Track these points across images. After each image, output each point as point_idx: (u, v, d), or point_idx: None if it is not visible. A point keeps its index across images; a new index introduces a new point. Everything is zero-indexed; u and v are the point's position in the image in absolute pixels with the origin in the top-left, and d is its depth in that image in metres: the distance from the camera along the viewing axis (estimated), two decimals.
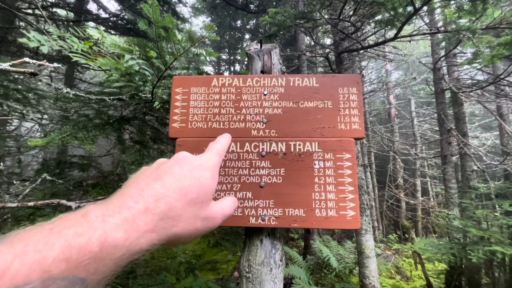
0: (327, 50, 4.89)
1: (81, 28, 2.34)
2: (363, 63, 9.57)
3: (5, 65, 0.96)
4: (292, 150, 1.35)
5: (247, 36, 12.18)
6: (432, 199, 9.59)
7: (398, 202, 8.99)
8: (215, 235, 4.47)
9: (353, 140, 1.35)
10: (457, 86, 4.29)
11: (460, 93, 4.12)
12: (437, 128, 7.37)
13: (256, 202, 1.29)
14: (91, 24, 6.82)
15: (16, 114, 2.85)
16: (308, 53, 5.07)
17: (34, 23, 4.58)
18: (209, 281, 2.76)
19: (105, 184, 1.95)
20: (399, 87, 10.31)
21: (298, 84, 1.44)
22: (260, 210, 1.28)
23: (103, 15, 6.84)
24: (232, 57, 11.58)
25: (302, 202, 1.28)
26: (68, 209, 1.49)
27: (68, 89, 2.35)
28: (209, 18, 10.76)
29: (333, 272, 4.74)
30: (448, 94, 5.28)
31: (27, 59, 0.98)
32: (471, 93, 4.22)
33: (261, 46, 1.67)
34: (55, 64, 1.13)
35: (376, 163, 9.93)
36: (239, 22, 11.37)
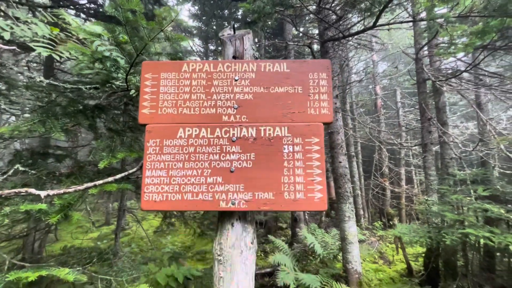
0: (315, 40, 4.87)
1: (53, 14, 2.26)
2: (350, 54, 9.62)
3: None
4: (262, 135, 1.36)
5: (236, 25, 11.96)
6: (416, 187, 9.90)
7: (384, 191, 9.25)
8: (200, 226, 4.50)
9: (322, 125, 1.37)
10: (436, 75, 4.39)
11: (437, 82, 4.22)
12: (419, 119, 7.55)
13: (227, 186, 1.31)
14: (71, 12, 6.53)
15: None
16: (291, 42, 5.04)
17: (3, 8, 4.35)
18: (192, 268, 2.79)
19: (80, 174, 1.92)
20: (385, 78, 10.45)
21: (269, 69, 1.45)
22: (230, 194, 1.30)
23: (82, 1, 6.55)
24: (219, 47, 11.40)
25: (271, 186, 1.30)
26: (37, 198, 1.47)
27: (42, 78, 2.27)
28: (196, 7, 10.49)
29: (318, 259, 4.88)
30: (429, 84, 5.40)
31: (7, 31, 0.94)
32: (450, 83, 4.33)
33: (234, 32, 1.65)
34: (10, 47, 1.09)
35: (362, 153, 10.13)
36: (226, 11, 11.15)
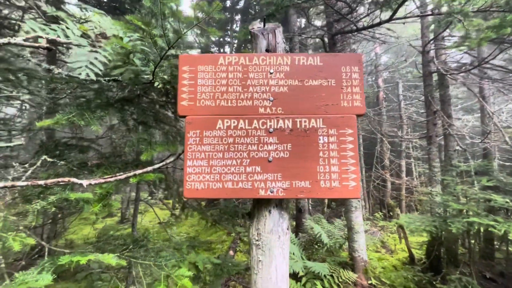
0: (319, 32, 4.88)
1: (60, 8, 2.26)
2: (353, 46, 9.60)
3: (19, 40, 0.96)
4: (298, 126, 1.42)
5: (237, 17, 11.83)
6: (415, 179, 10.09)
7: (384, 182, 9.41)
8: (212, 215, 4.59)
9: (355, 117, 1.43)
10: (445, 68, 4.45)
11: (448, 75, 4.29)
12: (423, 111, 7.64)
13: (265, 175, 1.38)
14: (73, 1, 6.42)
15: (6, 96, 2.75)
16: (302, 35, 5.04)
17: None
18: (210, 256, 2.89)
19: (109, 164, 1.97)
20: (387, 71, 10.48)
21: (303, 63, 1.49)
22: (268, 183, 1.37)
23: None
24: (221, 39, 11.29)
25: (308, 175, 1.37)
26: (80, 186, 1.52)
27: (60, 70, 2.29)
28: None
29: (325, 248, 5.02)
30: (435, 77, 5.46)
31: (41, 34, 0.97)
32: (458, 76, 4.40)
33: (264, 25, 1.68)
34: (68, 40, 1.12)
35: (364, 145, 10.25)
36: (228, 2, 11.00)
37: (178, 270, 1.46)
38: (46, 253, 1.67)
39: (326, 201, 9.25)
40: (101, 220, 9.00)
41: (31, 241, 1.38)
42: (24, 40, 0.96)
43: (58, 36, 1.14)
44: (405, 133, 9.57)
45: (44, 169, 2.07)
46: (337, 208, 9.25)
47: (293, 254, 4.60)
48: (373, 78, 11.39)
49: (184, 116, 1.45)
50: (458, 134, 4.69)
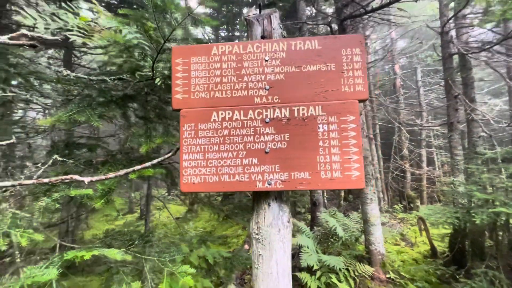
0: (329, 19, 4.68)
1: (74, 4, 2.28)
2: (367, 32, 9.19)
3: (4, 38, 0.96)
4: (295, 115, 1.35)
5: (245, 10, 11.67)
6: (438, 169, 9.61)
7: (403, 173, 9.04)
8: (223, 210, 4.61)
9: (357, 102, 1.34)
10: (466, 48, 4.12)
11: (469, 55, 3.96)
12: (444, 97, 7.20)
13: (262, 167, 1.33)
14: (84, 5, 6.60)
15: (21, 99, 2.87)
16: (309, 22, 4.85)
17: (24, 6, 4.46)
18: (220, 250, 2.91)
19: (114, 162, 2.00)
20: (404, 56, 9.95)
21: (300, 47, 1.41)
22: (266, 175, 1.32)
23: None
24: (230, 33, 11.22)
25: (307, 165, 1.30)
26: (81, 183, 1.55)
27: (68, 71, 2.34)
28: None
29: (340, 241, 4.91)
30: (456, 59, 5.10)
31: (24, 31, 0.97)
32: (480, 56, 4.05)
33: (260, 11, 1.61)
34: (53, 37, 1.11)
35: (381, 135, 9.87)
36: None
37: (181, 267, 1.46)
38: (57, 249, 1.73)
39: (342, 194, 9.05)
40: (121, 217, 9.38)
41: (39, 237, 1.41)
42: (9, 39, 0.95)
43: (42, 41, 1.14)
44: (425, 121, 9.09)
45: (55, 167, 2.13)
46: (355, 201, 9.02)
47: (307, 247, 4.53)
48: (389, 66, 10.89)
49: (179, 110, 1.42)
50: (482, 120, 4.36)
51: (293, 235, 5.62)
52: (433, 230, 6.40)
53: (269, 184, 1.31)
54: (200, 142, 1.36)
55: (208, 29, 12.43)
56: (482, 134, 4.63)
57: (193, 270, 1.44)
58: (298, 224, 5.28)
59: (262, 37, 1.51)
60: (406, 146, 8.71)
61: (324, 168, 1.29)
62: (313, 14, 8.55)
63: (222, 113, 1.38)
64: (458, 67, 4.95)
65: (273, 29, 1.52)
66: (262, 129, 1.35)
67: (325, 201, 7.74)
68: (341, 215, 6.16)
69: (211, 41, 12.27)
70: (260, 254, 1.35)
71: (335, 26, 4.28)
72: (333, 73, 1.37)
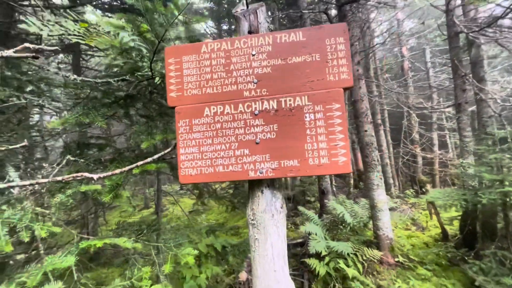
0: (326, 6, 4.61)
1: (76, 13, 2.40)
2: (372, 15, 8.92)
3: (9, 52, 1.07)
4: (283, 106, 1.41)
5: (248, 0, 11.53)
6: (451, 151, 9.38)
7: (414, 158, 8.89)
8: (233, 202, 4.76)
9: (342, 90, 1.39)
10: (469, 26, 3.96)
11: (470, 34, 3.82)
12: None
13: (254, 157, 1.41)
14: (88, 8, 6.77)
15: (34, 105, 3.06)
16: (306, 10, 4.79)
17: (31, 14, 4.64)
18: (228, 239, 3.05)
19: (121, 159, 2.14)
20: (412, 37, 9.62)
21: (285, 40, 1.46)
22: (257, 164, 1.40)
23: None
24: (233, 27, 11.16)
25: (296, 154, 1.37)
26: (91, 180, 1.68)
27: (75, 76, 2.47)
28: None
29: (348, 227, 4.97)
30: (464, 38, 4.91)
31: (27, 44, 1.07)
32: (487, 33, 3.89)
33: (247, 6, 1.66)
34: (52, 48, 1.22)
35: (390, 120, 9.69)
36: None
37: (184, 249, 1.58)
38: (75, 240, 1.89)
39: (352, 181, 9.03)
40: (137, 212, 9.77)
41: (57, 229, 1.56)
42: (14, 52, 1.06)
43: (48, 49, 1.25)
44: (436, 103, 8.84)
45: (68, 167, 2.30)
46: (365, 188, 8.99)
47: (316, 234, 4.62)
48: (397, 49, 10.56)
49: (174, 107, 1.51)
50: (492, 99, 4.23)
51: (302, 223, 5.71)
52: (445, 214, 6.33)
53: (260, 173, 1.39)
54: (195, 137, 1.45)
55: (211, 23, 12.41)
56: (492, 114, 4.50)
57: (195, 252, 1.56)
58: (307, 212, 5.37)
59: (249, 32, 1.57)
60: (416, 130, 8.54)
61: (312, 155, 1.36)
62: (316, 0, 8.38)
63: (214, 108, 1.46)
64: (465, 46, 4.79)
65: (260, 23, 1.57)
66: (252, 121, 1.43)
67: (334, 189, 7.77)
68: (350, 202, 6.19)
69: (215, 34, 12.27)
70: (256, 238, 1.45)
71: (335, 12, 4.21)
72: (318, 63, 1.42)
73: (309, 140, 1.37)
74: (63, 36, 1.91)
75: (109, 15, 6.59)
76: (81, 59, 7.36)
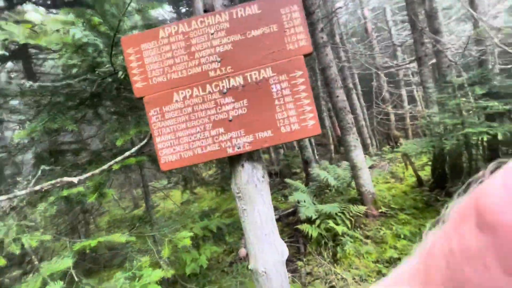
0: None
1: (15, 13, 2.23)
2: None
3: None
4: (249, 80, 1.46)
5: None
6: (419, 104, 9.93)
7: (387, 116, 9.35)
8: (221, 185, 4.85)
9: (302, 57, 1.45)
10: None
11: None
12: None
13: (229, 134, 1.46)
14: (29, 7, 6.16)
15: None
16: None
17: None
18: (221, 220, 3.16)
19: (99, 160, 2.11)
20: None
21: (241, 14, 1.47)
22: (234, 140, 1.46)
23: None
24: (191, 8, 10.64)
25: (268, 125, 1.44)
26: (71, 184, 1.67)
27: (31, 82, 2.33)
28: None
29: (333, 190, 5.28)
30: None
31: None
32: None
33: None
34: None
35: (361, 83, 9.99)
36: None
37: (180, 233, 1.66)
38: (68, 245, 1.90)
39: (332, 147, 9.40)
40: (128, 213, 9.67)
41: (48, 237, 1.56)
42: None
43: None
44: (401, 60, 9.18)
45: (45, 177, 2.23)
46: (344, 151, 9.41)
47: (304, 201, 4.88)
48: (359, 10, 10.63)
49: (142, 98, 1.51)
50: (447, 49, 4.48)
51: (291, 194, 5.99)
52: (418, 162, 6.85)
53: (238, 148, 1.46)
54: (169, 124, 1.47)
55: (169, 7, 11.74)
56: (450, 63, 4.79)
57: (191, 233, 1.64)
58: (293, 183, 5.61)
59: (205, 11, 1.56)
60: (386, 89, 8.90)
61: (283, 124, 1.43)
62: None
63: (182, 93, 1.47)
64: (421, 0, 4.94)
65: (214, 1, 1.56)
66: (222, 100, 1.46)
67: (317, 157, 8.07)
68: (333, 167, 6.51)
69: (174, 19, 11.65)
70: (244, 209, 1.55)
71: None
72: (276, 33, 1.45)
73: (279, 109, 1.44)
74: (6, 41, 1.79)
75: (54, 11, 6.05)
76: (33, 64, 6.80)
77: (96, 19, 1.71)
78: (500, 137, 4.21)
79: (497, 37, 3.95)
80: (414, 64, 8.87)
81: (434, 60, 6.36)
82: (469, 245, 0.21)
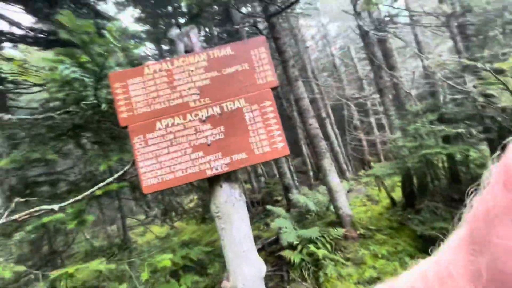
0: (253, 20, 5.11)
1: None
2: (301, 21, 9.91)
3: None
4: (225, 109, 1.66)
5: (182, 21, 11.75)
6: (387, 130, 10.73)
7: (360, 142, 9.96)
8: (203, 216, 4.81)
9: (270, 90, 1.69)
10: (377, 25, 4.83)
11: (372, 32, 4.68)
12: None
13: (208, 157, 1.62)
14: (8, 44, 6.24)
15: None
16: (238, 26, 5.26)
17: None
18: (201, 248, 3.13)
19: (77, 189, 2.13)
20: (338, 38, 10.91)
21: (217, 55, 1.72)
22: (212, 163, 1.61)
23: (19, 32, 6.24)
24: (172, 47, 11.22)
25: (243, 148, 1.62)
26: (52, 211, 1.69)
27: (9, 115, 2.39)
28: (138, 10, 10.17)
29: (313, 214, 5.40)
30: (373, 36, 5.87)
31: None
32: (388, 30, 4.81)
33: (180, 29, 1.89)
34: None
35: (334, 113, 10.72)
36: (170, 7, 10.88)
37: (159, 257, 1.69)
38: (41, 278, 1.84)
39: (311, 174, 9.69)
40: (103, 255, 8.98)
41: (22, 268, 1.55)
42: None
43: None
44: (368, 91, 10.11)
45: (20, 208, 2.19)
46: (321, 175, 9.72)
47: (286, 228, 4.93)
48: (328, 49, 11.79)
49: (126, 126, 1.64)
50: (401, 82, 5.12)
51: (273, 221, 6.00)
52: (389, 181, 7.24)
53: (216, 169, 1.60)
54: (151, 149, 1.60)
55: (151, 45, 12.28)
56: (406, 94, 5.41)
57: (170, 255, 1.68)
58: (274, 210, 5.67)
59: (186, 51, 1.79)
60: (356, 117, 9.62)
61: (256, 147, 1.62)
62: (244, 15, 8.98)
63: (164, 121, 1.63)
64: (376, 41, 5.71)
65: (193, 43, 1.81)
66: (201, 126, 1.64)
67: (296, 184, 8.26)
68: (312, 192, 6.71)
69: (156, 56, 12.15)
70: (223, 228, 1.64)
71: (259, 26, 4.68)
72: (247, 71, 1.70)
73: (252, 134, 1.63)
74: None
75: (36, 48, 6.17)
76: (7, 98, 6.68)
77: (84, 57, 1.89)
78: (458, 156, 4.69)
79: (441, 73, 4.61)
80: (377, 95, 9.79)
81: (394, 92, 7.12)
82: (499, 204, 0.22)
